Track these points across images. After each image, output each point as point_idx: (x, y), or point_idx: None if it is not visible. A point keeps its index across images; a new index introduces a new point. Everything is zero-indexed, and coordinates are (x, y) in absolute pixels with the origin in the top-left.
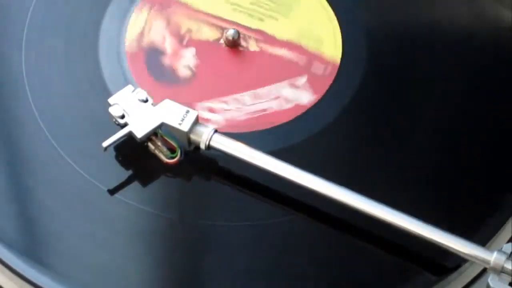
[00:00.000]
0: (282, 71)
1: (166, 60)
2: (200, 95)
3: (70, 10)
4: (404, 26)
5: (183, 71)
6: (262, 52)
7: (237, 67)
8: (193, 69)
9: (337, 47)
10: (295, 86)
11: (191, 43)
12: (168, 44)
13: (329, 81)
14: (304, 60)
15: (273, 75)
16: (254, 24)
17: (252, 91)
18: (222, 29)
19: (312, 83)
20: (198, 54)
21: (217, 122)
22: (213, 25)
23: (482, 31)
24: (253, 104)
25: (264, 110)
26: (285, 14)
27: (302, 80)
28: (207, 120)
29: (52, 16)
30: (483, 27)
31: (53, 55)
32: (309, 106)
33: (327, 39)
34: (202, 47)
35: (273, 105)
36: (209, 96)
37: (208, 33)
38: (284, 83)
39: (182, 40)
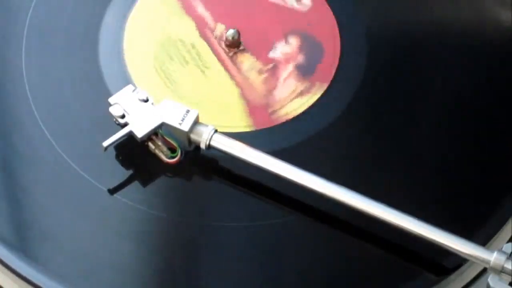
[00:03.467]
0: None
1: None
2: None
3: (70, 10)
4: (404, 26)
5: None
6: None
7: None
8: None
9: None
10: None
11: None
12: None
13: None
14: None
15: None
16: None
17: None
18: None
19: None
20: None
21: None
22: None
23: (482, 31)
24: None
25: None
26: None
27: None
28: None
29: (52, 16)
30: (483, 27)
31: (53, 55)
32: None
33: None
34: None
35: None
36: None
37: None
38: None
39: None
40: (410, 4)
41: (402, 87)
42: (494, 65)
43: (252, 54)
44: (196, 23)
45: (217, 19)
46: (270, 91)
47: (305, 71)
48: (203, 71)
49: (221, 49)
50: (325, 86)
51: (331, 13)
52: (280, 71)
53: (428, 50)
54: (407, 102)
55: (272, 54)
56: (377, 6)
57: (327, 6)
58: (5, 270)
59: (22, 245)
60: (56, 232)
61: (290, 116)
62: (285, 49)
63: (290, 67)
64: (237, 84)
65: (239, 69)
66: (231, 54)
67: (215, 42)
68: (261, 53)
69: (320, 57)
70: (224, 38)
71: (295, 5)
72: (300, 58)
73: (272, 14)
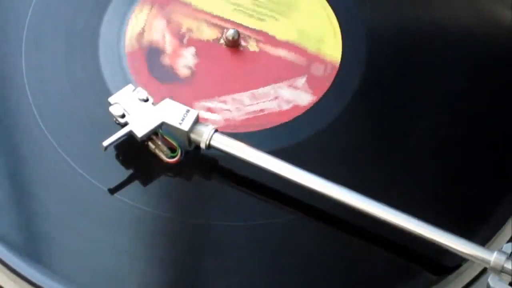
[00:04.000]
0: (282, 71)
1: (166, 59)
2: (200, 95)
3: (70, 9)
4: (404, 26)
5: (183, 70)
6: (262, 53)
7: (237, 66)
8: (193, 68)
9: (337, 47)
10: (294, 87)
11: (191, 42)
12: (168, 43)
13: (329, 81)
14: (304, 61)
15: (272, 76)
16: (255, 24)
17: (251, 91)
18: (222, 29)
19: (312, 84)
20: (198, 53)
21: (216, 121)
22: (213, 24)
23: (482, 31)
24: (252, 104)
25: (262, 110)
26: (286, 15)
27: (302, 80)
28: (206, 120)
29: (52, 16)
30: (483, 27)
31: (53, 55)
32: (308, 107)
33: (327, 39)
34: (202, 46)
35: (272, 106)
36: (208, 95)
37: (208, 33)
38: (283, 84)
39: (182, 39)
40: (410, 4)
41: (402, 87)
42: (495, 64)
43: None
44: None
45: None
46: None
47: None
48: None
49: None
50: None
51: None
52: None
53: (428, 50)
54: (407, 102)
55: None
56: (377, 6)
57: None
58: (5, 270)
59: (22, 245)
60: (56, 231)
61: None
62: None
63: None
64: None
65: None
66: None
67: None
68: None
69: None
70: (224, 38)
71: None
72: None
73: None
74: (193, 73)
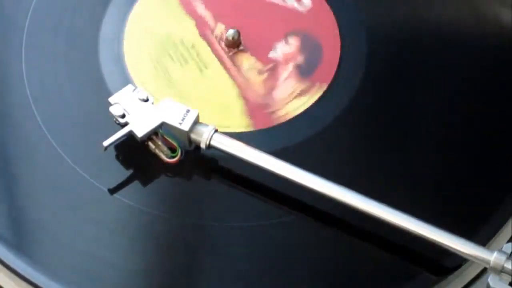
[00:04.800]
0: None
1: None
2: None
3: (71, 9)
4: (404, 26)
5: None
6: None
7: None
8: None
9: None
10: None
11: None
12: None
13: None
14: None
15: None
16: None
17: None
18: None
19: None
20: None
21: None
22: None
23: (482, 31)
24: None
25: None
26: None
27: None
28: None
29: (52, 16)
30: (483, 27)
31: (53, 55)
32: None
33: None
34: None
35: None
36: None
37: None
38: None
39: None
40: (410, 4)
41: (402, 87)
42: (495, 64)
43: (252, 54)
44: (196, 22)
45: (217, 19)
46: (269, 91)
47: (305, 72)
48: (202, 71)
49: (221, 49)
50: (324, 87)
51: (331, 13)
52: (280, 71)
53: (428, 50)
54: (407, 102)
55: (272, 54)
56: (377, 6)
57: (327, 6)
58: (5, 270)
59: (22, 245)
60: (56, 231)
61: (290, 116)
62: (285, 49)
63: (290, 67)
64: (237, 84)
65: (239, 69)
66: (231, 54)
67: (215, 42)
68: (261, 53)
69: (319, 57)
70: (224, 38)
71: (295, 5)
72: (300, 59)
73: (272, 14)
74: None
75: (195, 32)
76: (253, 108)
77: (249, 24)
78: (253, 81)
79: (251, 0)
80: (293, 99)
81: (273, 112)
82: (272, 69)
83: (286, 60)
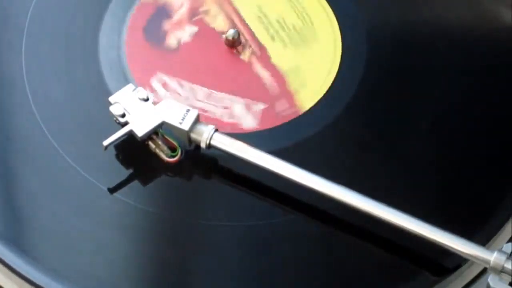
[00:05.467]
0: (251, 89)
1: (167, 25)
2: (166, 68)
3: (71, 9)
4: (404, 26)
5: (172, 41)
6: (248, 64)
7: (218, 64)
8: (181, 44)
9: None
10: (248, 108)
11: (198, 23)
12: (179, 13)
13: (281, 121)
14: (276, 92)
15: (240, 88)
16: (264, 39)
17: (211, 90)
18: (232, 27)
19: (265, 115)
20: (196, 35)
21: (159, 98)
22: (229, 19)
23: (482, 31)
24: (202, 101)
25: (206, 111)
26: (296, 45)
27: (259, 107)
28: (152, 90)
29: (52, 16)
30: (483, 27)
31: (53, 55)
32: (246, 131)
33: (310, 87)
34: (204, 31)
35: (217, 112)
36: (173, 73)
37: (219, 23)
38: (243, 100)
39: (193, 16)
40: (410, 4)
41: (402, 87)
42: (495, 64)
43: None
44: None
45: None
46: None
47: None
48: None
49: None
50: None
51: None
52: None
53: (428, 50)
54: (407, 102)
55: None
56: (377, 6)
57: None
58: (5, 270)
59: (22, 245)
60: (56, 231)
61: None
62: None
63: None
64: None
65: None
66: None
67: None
68: None
69: None
70: (224, 38)
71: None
72: None
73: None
74: (177, 48)
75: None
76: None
77: None
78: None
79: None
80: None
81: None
82: None
83: None
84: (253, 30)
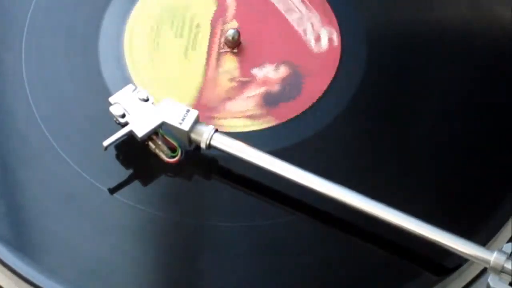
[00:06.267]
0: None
1: None
2: None
3: (71, 9)
4: (404, 26)
5: None
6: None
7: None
8: None
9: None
10: None
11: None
12: None
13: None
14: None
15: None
16: None
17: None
18: None
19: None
20: None
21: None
22: None
23: (482, 31)
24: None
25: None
26: None
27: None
28: None
29: (52, 16)
30: (483, 27)
31: (53, 55)
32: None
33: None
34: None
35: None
36: None
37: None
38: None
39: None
40: (410, 4)
41: (402, 87)
42: (495, 64)
43: (239, 61)
44: (217, 9)
45: (236, 16)
46: (226, 100)
47: (269, 101)
48: (187, 50)
49: (218, 43)
50: (274, 122)
51: (338, 58)
52: (249, 88)
53: (428, 50)
54: (407, 102)
55: (255, 71)
56: (377, 6)
57: (338, 55)
58: (5, 270)
59: (22, 245)
60: (56, 231)
61: (227, 130)
62: (271, 74)
63: (261, 90)
64: (204, 78)
65: (216, 67)
66: (222, 51)
67: (217, 34)
68: (247, 64)
69: (290, 97)
70: (224, 36)
71: (311, 42)
72: (275, 88)
73: (286, 37)
74: None
75: (210, 16)
76: (199, 106)
77: (259, 35)
78: (220, 83)
79: (278, 19)
80: (240, 117)
81: (213, 118)
82: (244, 83)
83: (263, 83)
84: None
